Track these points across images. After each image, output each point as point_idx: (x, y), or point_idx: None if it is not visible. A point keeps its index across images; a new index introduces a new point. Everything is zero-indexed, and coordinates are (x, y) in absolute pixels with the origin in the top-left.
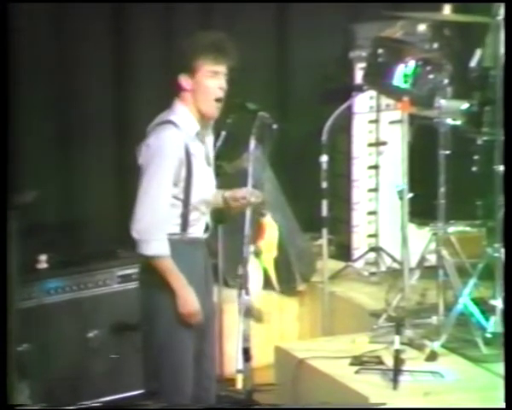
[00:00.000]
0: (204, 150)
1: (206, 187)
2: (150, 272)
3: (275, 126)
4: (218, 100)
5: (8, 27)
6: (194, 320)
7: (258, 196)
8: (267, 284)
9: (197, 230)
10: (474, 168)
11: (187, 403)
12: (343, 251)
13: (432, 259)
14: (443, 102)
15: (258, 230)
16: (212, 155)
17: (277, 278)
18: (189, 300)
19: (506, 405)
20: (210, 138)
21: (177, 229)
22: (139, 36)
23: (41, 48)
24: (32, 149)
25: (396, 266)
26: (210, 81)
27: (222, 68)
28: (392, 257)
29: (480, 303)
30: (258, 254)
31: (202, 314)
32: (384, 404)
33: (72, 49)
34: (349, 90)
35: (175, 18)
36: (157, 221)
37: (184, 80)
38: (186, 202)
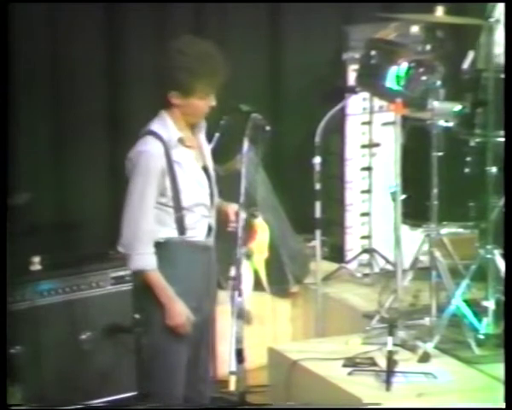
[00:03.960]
0: (193, 153)
1: (198, 190)
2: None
3: (268, 128)
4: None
5: (8, 27)
6: (183, 331)
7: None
8: (257, 285)
9: (197, 233)
10: (466, 170)
11: (179, 404)
12: (336, 253)
13: (425, 260)
14: (435, 104)
15: (249, 231)
16: (207, 152)
17: (270, 280)
18: (176, 312)
19: (506, 405)
20: (201, 137)
21: (174, 233)
22: (133, 37)
23: (34, 49)
24: (25, 151)
25: (389, 267)
26: (201, 102)
27: (214, 89)
28: (385, 258)
29: (473, 304)
30: (249, 255)
31: (199, 318)
32: (378, 404)
33: (65, 50)
34: (342, 91)
35: (168, 19)
36: (138, 236)
37: (175, 98)
38: (177, 207)
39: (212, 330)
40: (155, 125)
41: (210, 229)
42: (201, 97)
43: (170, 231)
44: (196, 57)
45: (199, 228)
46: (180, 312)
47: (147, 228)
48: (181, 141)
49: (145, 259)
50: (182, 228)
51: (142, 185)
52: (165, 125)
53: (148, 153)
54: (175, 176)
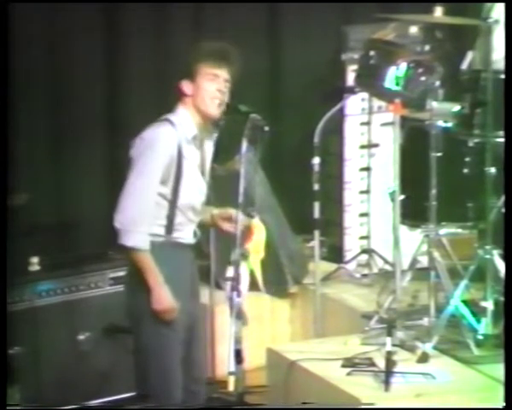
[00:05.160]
0: (200, 157)
1: (195, 193)
2: (137, 275)
3: (267, 128)
4: (216, 101)
5: (8, 27)
6: (169, 317)
7: (244, 222)
8: (253, 285)
9: (183, 235)
10: (465, 170)
11: (177, 404)
12: (335, 253)
13: (423, 261)
14: (434, 105)
15: (246, 232)
16: (208, 162)
17: (269, 280)
18: (162, 296)
19: (506, 405)
20: (209, 145)
21: (161, 230)
22: (131, 35)
23: (32, 49)
24: (23, 151)
25: (388, 267)
26: (209, 84)
27: (222, 72)
28: (383, 259)
29: (471, 305)
30: (245, 256)
31: (187, 318)
32: (376, 404)
33: (65, 50)
34: (341, 92)
35: (168, 19)
36: (140, 214)
37: (185, 85)
38: (173, 203)
39: (201, 330)
40: (173, 116)
41: (195, 234)
42: (210, 79)
43: (158, 228)
44: (201, 42)
45: (185, 231)
46: (165, 296)
47: (149, 208)
48: (194, 139)
49: (143, 238)
50: (170, 227)
51: (152, 165)
52: (183, 120)
53: (165, 136)
54: (181, 169)
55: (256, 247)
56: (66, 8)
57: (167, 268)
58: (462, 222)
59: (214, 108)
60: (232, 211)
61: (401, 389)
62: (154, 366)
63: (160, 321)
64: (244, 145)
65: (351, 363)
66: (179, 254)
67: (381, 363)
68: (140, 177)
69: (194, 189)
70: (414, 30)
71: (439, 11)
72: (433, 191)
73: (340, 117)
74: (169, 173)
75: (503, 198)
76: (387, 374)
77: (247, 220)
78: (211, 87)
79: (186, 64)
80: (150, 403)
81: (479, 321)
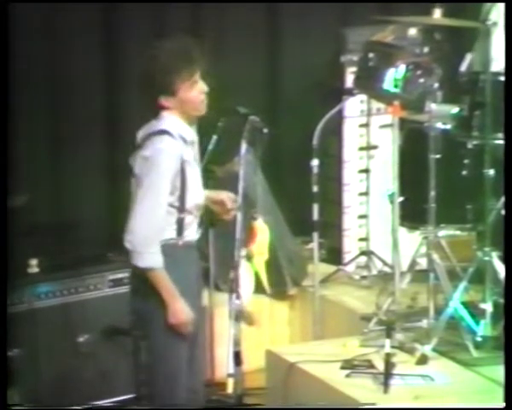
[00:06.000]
0: (193, 152)
1: (198, 191)
2: (142, 277)
3: (266, 130)
4: (203, 100)
5: (8, 28)
6: (185, 330)
7: (235, 202)
8: (258, 287)
9: (191, 232)
10: (464, 172)
11: (178, 404)
12: (334, 255)
13: (422, 262)
14: (433, 106)
15: (249, 233)
16: (198, 153)
17: (268, 282)
18: (179, 310)
19: (506, 405)
20: (195, 137)
21: (173, 234)
22: (131, 38)
23: (32, 49)
24: (22, 153)
25: (387, 269)
26: (192, 92)
27: (197, 74)
28: (383, 261)
29: (471, 307)
30: (249, 257)
31: (193, 319)
32: (374, 404)
33: (64, 51)
34: (340, 94)
35: (166, 20)
36: (151, 234)
37: (166, 101)
38: (181, 208)
39: (204, 330)
40: (167, 125)
41: (199, 227)
42: (191, 87)
43: (169, 232)
44: (169, 55)
45: (192, 228)
46: (182, 309)
47: (159, 226)
48: (192, 141)
49: (156, 257)
50: (181, 229)
51: (160, 183)
52: (177, 125)
53: (167, 152)
54: (185, 176)
55: (260, 248)
56: (65, 8)
57: (178, 270)
58: (460, 224)
59: (203, 107)
60: (224, 195)
61: (400, 391)
62: (161, 370)
63: (170, 327)
64: (243, 147)
65: (350, 365)
66: (187, 253)
67: (379, 365)
68: (148, 196)
69: (197, 187)
70: (413, 32)
71: (437, 13)
72: (432, 193)
73: (339, 119)
74: (175, 183)
75: (502, 200)
76: (386, 376)
77: (249, 222)
78: (194, 93)
79: (161, 83)
80: (152, 404)
81: (478, 323)
